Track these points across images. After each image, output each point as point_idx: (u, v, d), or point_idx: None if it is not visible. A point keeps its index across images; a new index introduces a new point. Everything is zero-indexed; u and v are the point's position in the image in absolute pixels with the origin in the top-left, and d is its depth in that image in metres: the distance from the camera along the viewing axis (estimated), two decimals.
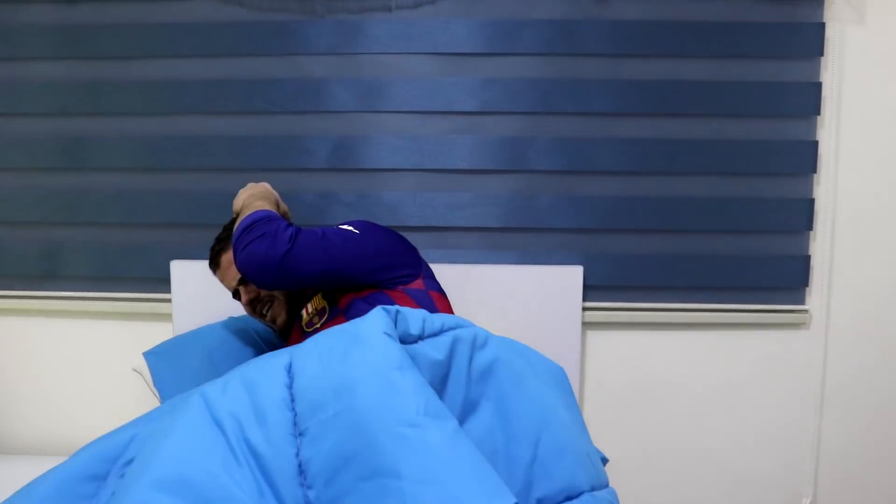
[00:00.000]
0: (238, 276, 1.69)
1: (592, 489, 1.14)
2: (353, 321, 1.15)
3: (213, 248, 1.77)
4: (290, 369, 1.09)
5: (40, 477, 1.09)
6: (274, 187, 1.86)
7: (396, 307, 1.17)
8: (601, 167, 2.04)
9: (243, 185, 1.79)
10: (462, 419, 1.12)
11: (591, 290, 2.08)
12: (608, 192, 2.05)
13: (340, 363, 1.06)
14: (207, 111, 2.11)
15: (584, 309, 2.07)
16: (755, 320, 2.08)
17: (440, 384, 1.12)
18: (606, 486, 1.21)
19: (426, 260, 1.70)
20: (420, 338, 1.16)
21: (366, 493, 0.95)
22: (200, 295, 2.07)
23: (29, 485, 1.09)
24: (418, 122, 2.07)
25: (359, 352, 1.06)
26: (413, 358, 1.09)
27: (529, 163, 2.05)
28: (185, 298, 2.09)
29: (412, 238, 2.04)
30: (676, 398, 2.12)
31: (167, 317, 2.17)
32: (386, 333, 1.08)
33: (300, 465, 1.00)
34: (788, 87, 2.01)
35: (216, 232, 1.90)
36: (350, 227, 1.56)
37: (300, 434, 1.02)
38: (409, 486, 0.93)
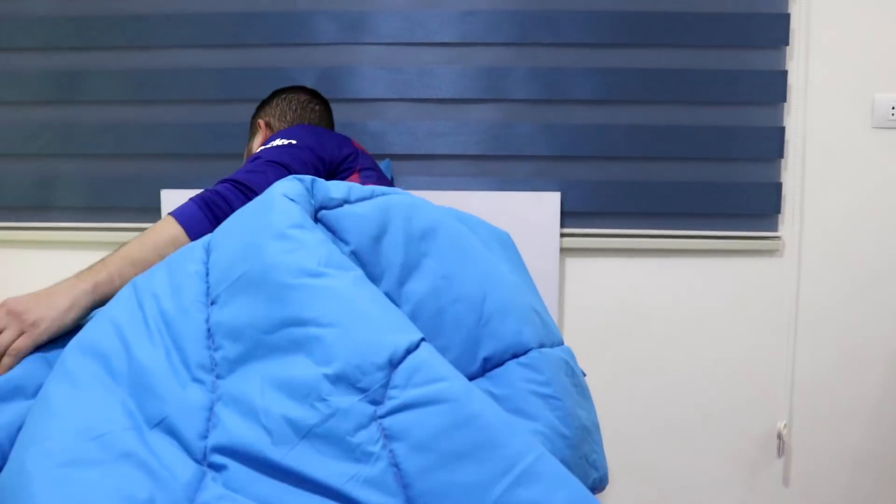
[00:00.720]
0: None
1: (541, 346, 1.14)
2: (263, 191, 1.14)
3: (261, 104, 1.87)
4: (208, 246, 1.11)
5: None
6: None
7: (312, 177, 1.15)
8: (578, 96, 2.10)
9: (230, 117, 1.97)
10: (403, 280, 1.11)
11: (569, 216, 2.14)
12: (585, 120, 2.11)
13: (246, 229, 1.08)
14: (195, 44, 2.17)
15: (562, 235, 2.13)
16: (729, 247, 2.13)
17: (373, 243, 1.11)
18: (560, 343, 1.23)
19: (408, 186, 1.75)
20: (346, 201, 1.14)
21: (271, 344, 0.95)
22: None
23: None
24: (400, 53, 2.13)
25: (263, 215, 1.07)
26: (337, 220, 1.10)
27: (508, 92, 2.11)
28: None
29: (394, 166, 2.12)
30: (652, 324, 2.18)
31: None
32: (286, 196, 1.07)
33: (209, 330, 1.01)
34: (758, 18, 2.07)
35: (204, 161, 2.06)
36: (282, 142, 1.54)
37: (212, 303, 1.03)
38: (313, 331, 0.93)
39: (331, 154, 1.60)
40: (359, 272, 1.01)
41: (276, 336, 0.95)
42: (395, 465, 0.86)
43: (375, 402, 0.88)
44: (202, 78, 2.17)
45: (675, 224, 2.14)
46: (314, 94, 1.88)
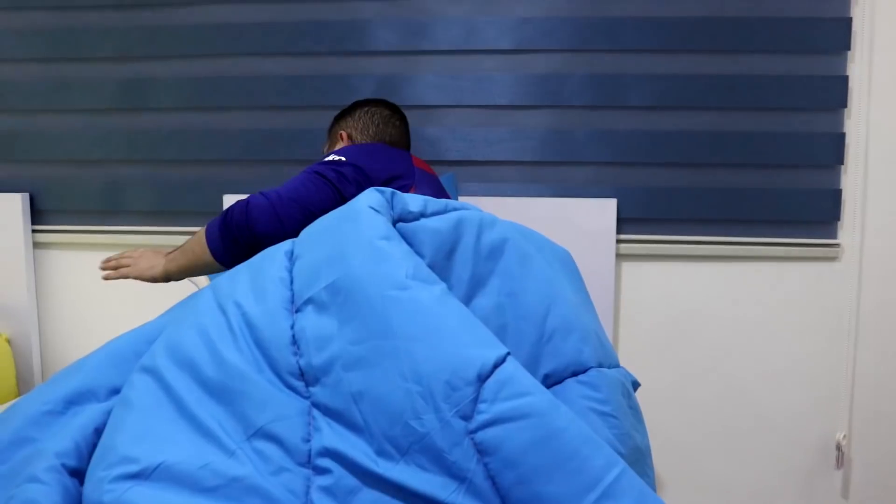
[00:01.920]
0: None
1: (600, 365, 1.16)
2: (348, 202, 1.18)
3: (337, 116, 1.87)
4: (291, 255, 1.14)
5: (90, 353, 1.19)
6: (321, 125, 2.03)
7: (392, 189, 1.18)
8: (635, 102, 2.10)
9: (291, 124, 2.03)
10: (470, 295, 1.14)
11: (625, 222, 2.14)
12: (642, 126, 2.11)
13: (332, 238, 1.10)
14: (257, 53, 2.22)
15: (618, 241, 2.13)
16: (787, 254, 2.11)
17: (446, 258, 1.14)
18: (616, 366, 1.25)
19: (465, 192, 1.77)
20: (422, 215, 1.17)
21: (357, 355, 0.97)
22: None
23: (81, 360, 1.18)
24: (458, 60, 2.15)
25: (348, 225, 1.09)
26: (413, 234, 1.12)
27: (565, 98, 2.12)
28: None
29: (452, 172, 2.14)
30: (709, 331, 2.16)
31: None
32: (372, 208, 1.10)
33: (294, 336, 1.03)
34: (819, 23, 2.05)
35: (266, 167, 2.12)
36: (337, 158, 1.55)
37: (297, 310, 1.05)
38: (401, 344, 0.95)
39: (378, 173, 1.56)
40: (443, 286, 1.03)
41: (363, 347, 0.98)
42: (491, 477, 0.90)
43: (466, 418, 0.91)
44: (264, 85, 2.22)
45: (732, 230, 2.13)
46: (395, 110, 1.86)
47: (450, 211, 1.20)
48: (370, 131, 1.80)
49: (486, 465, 0.90)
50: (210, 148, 2.26)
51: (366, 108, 1.83)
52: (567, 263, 1.39)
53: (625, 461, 1.09)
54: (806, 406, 2.15)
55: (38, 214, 2.38)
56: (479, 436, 0.90)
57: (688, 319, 2.16)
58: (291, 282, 1.09)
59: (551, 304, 1.16)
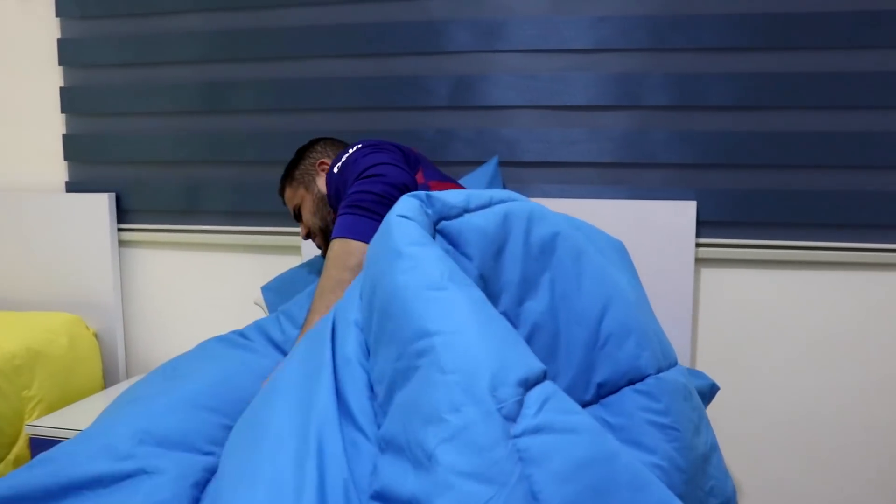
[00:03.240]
0: (292, 206, 1.83)
1: (658, 371, 1.08)
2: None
3: (286, 172, 1.86)
4: (361, 295, 1.09)
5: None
6: (396, 126, 2.10)
7: (426, 191, 1.10)
8: (714, 102, 2.04)
9: (367, 125, 2.04)
10: (522, 298, 1.06)
11: (705, 225, 2.09)
12: (722, 127, 2.05)
13: (373, 260, 1.05)
14: (333, 54, 2.24)
15: (698, 245, 2.08)
16: (873, 259, 2.03)
17: (493, 259, 1.06)
18: (674, 364, 1.14)
19: (541, 194, 1.77)
20: (465, 210, 1.08)
21: (403, 368, 0.90)
22: None
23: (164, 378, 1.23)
24: (534, 60, 2.13)
25: (384, 240, 1.03)
26: (459, 233, 1.05)
27: (642, 98, 2.08)
28: None
29: (527, 173, 2.13)
30: (792, 338, 2.10)
31: (297, 249, 2.32)
32: (401, 215, 1.03)
33: (369, 380, 0.99)
34: None
35: None
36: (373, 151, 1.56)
37: (368, 354, 1.01)
38: (439, 339, 0.87)
39: (398, 175, 1.55)
40: (480, 293, 0.96)
41: (404, 359, 0.90)
42: (534, 495, 0.78)
43: (510, 418, 0.80)
44: (340, 87, 2.24)
45: (815, 234, 2.05)
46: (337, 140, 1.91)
47: (495, 204, 1.10)
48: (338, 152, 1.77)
49: (529, 477, 0.78)
50: (288, 149, 2.28)
51: (320, 143, 1.85)
52: (622, 253, 1.30)
53: (685, 475, 1.03)
54: (890, 419, 2.07)
55: (123, 214, 2.46)
56: (525, 441, 0.79)
57: (769, 327, 2.10)
58: (362, 324, 1.05)
59: (607, 304, 1.07)
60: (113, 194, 2.42)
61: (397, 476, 0.84)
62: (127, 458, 1.07)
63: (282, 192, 1.87)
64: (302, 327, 1.41)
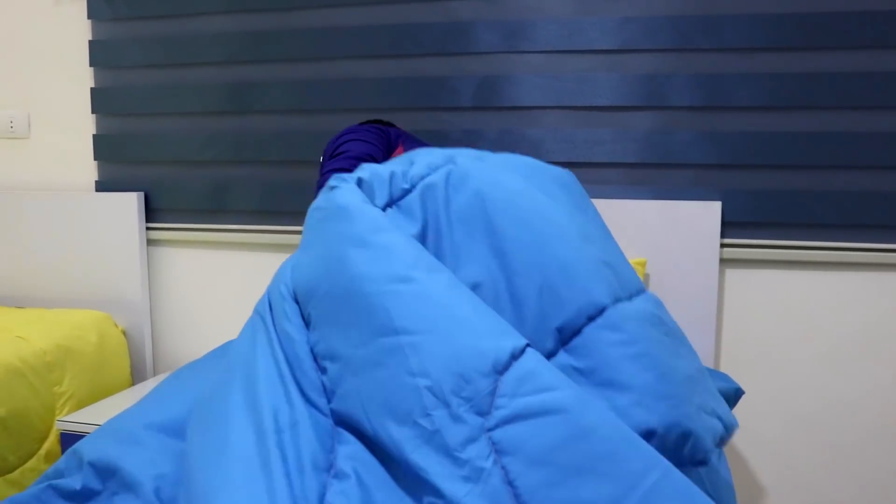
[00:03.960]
0: None
1: (617, 300, 1.02)
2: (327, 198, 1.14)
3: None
4: (294, 268, 1.11)
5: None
6: (421, 126, 2.12)
7: (358, 175, 1.10)
8: (740, 102, 2.04)
9: (394, 124, 1.99)
10: (455, 268, 1.04)
11: (730, 226, 2.08)
12: (747, 127, 2.05)
13: (323, 242, 1.05)
14: (359, 56, 2.26)
15: (723, 245, 2.08)
16: None
17: (422, 240, 1.07)
18: (640, 291, 1.10)
19: None
20: (389, 205, 1.10)
21: (367, 358, 0.91)
22: None
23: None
24: (559, 61, 2.14)
25: (338, 225, 1.03)
26: (409, 211, 1.08)
27: (668, 99, 2.08)
28: None
29: None
30: (818, 339, 2.09)
31: None
32: (361, 201, 1.05)
33: (312, 352, 0.99)
34: None
35: None
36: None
37: (307, 325, 1.02)
38: (406, 339, 0.88)
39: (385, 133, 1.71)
40: (449, 274, 0.96)
41: (368, 349, 0.91)
42: (510, 482, 0.80)
43: (482, 413, 0.83)
44: (366, 87, 2.26)
45: (842, 235, 2.04)
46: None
47: (415, 185, 1.10)
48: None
49: (504, 467, 0.80)
50: (314, 149, 2.31)
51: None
52: (567, 185, 1.22)
53: (671, 400, 0.96)
54: None
55: (151, 212, 2.49)
56: (498, 433, 0.81)
57: (795, 328, 2.09)
58: (295, 296, 1.05)
59: (546, 246, 1.02)
60: (141, 193, 2.46)
61: (367, 465, 0.87)
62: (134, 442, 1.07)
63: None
64: None
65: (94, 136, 2.53)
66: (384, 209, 1.08)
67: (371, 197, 1.09)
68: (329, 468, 0.89)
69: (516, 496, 0.79)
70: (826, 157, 2.01)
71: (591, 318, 0.99)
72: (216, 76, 2.39)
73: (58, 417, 2.11)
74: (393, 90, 2.24)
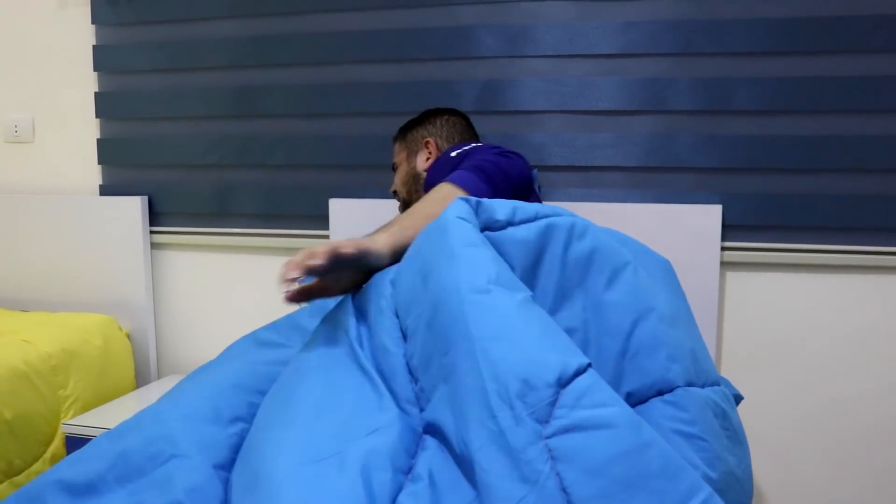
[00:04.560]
0: (394, 161, 1.99)
1: (689, 385, 1.09)
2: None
3: (406, 126, 2.00)
4: (394, 280, 1.15)
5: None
6: None
7: (476, 198, 1.16)
8: (741, 106, 2.05)
9: (396, 128, 2.03)
10: (554, 309, 1.10)
11: (731, 229, 2.10)
12: (748, 131, 2.06)
13: (422, 255, 1.11)
14: (362, 60, 2.28)
15: (723, 248, 2.09)
16: None
17: (531, 269, 1.11)
18: (714, 383, 1.17)
19: (568, 198, 1.95)
20: (510, 223, 1.14)
21: (447, 365, 0.96)
22: (356, 230, 2.23)
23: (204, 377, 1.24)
24: (561, 65, 2.15)
25: (434, 238, 1.09)
26: (500, 244, 1.10)
27: (669, 103, 2.09)
28: (341, 234, 2.27)
29: (554, 177, 2.15)
30: (818, 342, 2.09)
31: None
32: (458, 217, 1.09)
33: (408, 365, 1.04)
34: None
35: (371, 172, 2.25)
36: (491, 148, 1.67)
37: (404, 337, 1.07)
38: (478, 344, 0.93)
39: (523, 171, 1.68)
40: (527, 293, 1.00)
41: (450, 356, 0.96)
42: (563, 489, 0.83)
43: (541, 421, 0.86)
44: (369, 91, 2.27)
45: (842, 238, 2.05)
46: (467, 118, 2.01)
47: (540, 218, 1.15)
48: (455, 139, 1.91)
49: (559, 473, 0.83)
50: (318, 153, 2.33)
51: (445, 117, 1.94)
52: (668, 272, 1.33)
53: (715, 486, 1.02)
54: None
55: (155, 216, 2.51)
56: (555, 441, 0.84)
57: (796, 331, 2.10)
58: (395, 310, 1.10)
59: (640, 318, 1.10)
60: (145, 197, 2.47)
61: (442, 468, 0.91)
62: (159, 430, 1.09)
63: (394, 140, 2.01)
64: (383, 229, 1.37)
65: (98, 140, 2.55)
66: (505, 227, 1.14)
67: (491, 213, 1.14)
68: (408, 471, 0.93)
69: (569, 503, 0.82)
70: (826, 160, 2.02)
71: (660, 393, 1.07)
72: (220, 80, 2.40)
73: (63, 420, 2.13)
74: (396, 94, 2.25)
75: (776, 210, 2.06)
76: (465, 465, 0.89)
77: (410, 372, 1.03)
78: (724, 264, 2.11)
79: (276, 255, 2.43)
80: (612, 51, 2.11)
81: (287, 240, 2.38)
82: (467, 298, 0.97)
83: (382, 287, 1.14)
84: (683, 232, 2.07)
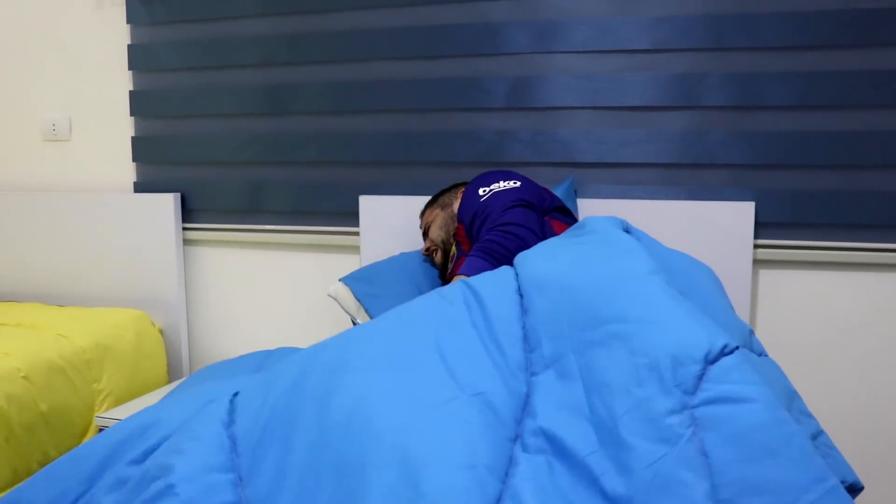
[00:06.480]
0: (425, 224, 2.02)
1: (750, 346, 1.23)
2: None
3: (433, 198, 2.06)
4: (516, 276, 1.25)
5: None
6: (454, 127, 2.16)
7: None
8: (775, 102, 2.02)
9: (427, 126, 2.15)
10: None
11: (764, 227, 2.07)
12: (782, 127, 2.03)
13: (567, 253, 1.26)
14: (393, 57, 2.28)
15: (756, 246, 2.06)
16: None
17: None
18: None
19: (598, 195, 2.05)
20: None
21: (593, 340, 1.05)
22: (386, 227, 2.25)
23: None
24: (592, 61, 2.14)
25: (593, 238, 1.30)
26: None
27: (701, 99, 2.07)
28: (372, 231, 2.27)
29: (584, 174, 2.14)
30: (853, 341, 2.06)
31: (355, 249, 2.37)
32: (613, 224, 1.32)
33: (525, 334, 1.13)
34: None
35: (401, 169, 2.27)
36: (507, 185, 1.80)
37: (525, 311, 1.16)
38: (633, 326, 1.02)
39: (540, 194, 1.83)
40: (675, 291, 1.10)
41: (597, 332, 1.05)
42: (705, 453, 0.89)
43: (688, 392, 0.94)
44: (399, 89, 2.28)
45: (877, 236, 2.01)
46: None
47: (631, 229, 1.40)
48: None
49: (701, 439, 0.90)
50: (347, 150, 2.34)
51: (467, 183, 2.01)
52: (714, 278, 1.46)
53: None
54: None
55: (188, 213, 2.54)
56: (701, 411, 0.92)
57: (830, 330, 2.07)
58: (519, 288, 1.21)
59: (704, 300, 1.24)
60: (178, 194, 2.50)
61: (572, 428, 0.98)
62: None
63: (422, 212, 2.06)
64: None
65: (132, 138, 2.59)
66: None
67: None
68: (515, 438, 1.00)
69: (708, 465, 0.88)
70: (861, 156, 1.99)
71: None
72: (252, 78, 2.43)
73: (97, 413, 2.16)
74: (425, 91, 2.26)
75: (810, 207, 2.03)
76: (602, 431, 0.96)
77: (526, 340, 1.12)
78: (757, 262, 2.08)
79: (306, 252, 2.45)
80: (644, 46, 2.10)
81: (317, 236, 2.40)
82: (629, 285, 1.09)
83: (507, 278, 1.25)
84: (716, 229, 2.04)
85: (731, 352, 0.96)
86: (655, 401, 0.94)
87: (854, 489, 1.20)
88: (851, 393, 2.07)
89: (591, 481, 0.92)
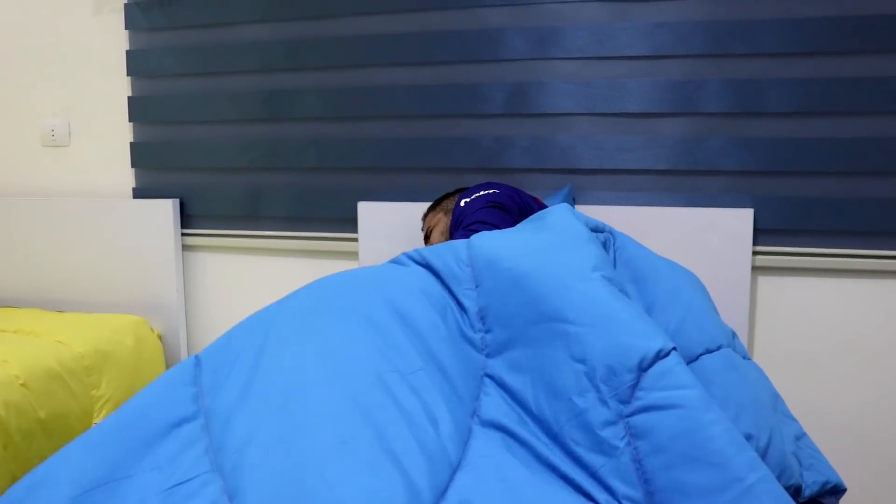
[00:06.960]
0: (427, 228, 2.02)
1: (727, 346, 1.29)
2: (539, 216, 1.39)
3: (436, 202, 2.05)
4: (468, 245, 1.28)
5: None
6: (453, 133, 2.16)
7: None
8: (773, 108, 2.02)
9: (425, 132, 2.15)
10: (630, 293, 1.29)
11: (762, 233, 2.07)
12: (780, 133, 2.03)
13: (524, 242, 1.25)
14: (391, 63, 2.28)
15: (755, 253, 2.06)
16: None
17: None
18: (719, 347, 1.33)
19: (597, 201, 2.04)
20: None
21: (538, 336, 1.09)
22: (385, 234, 2.25)
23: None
24: (590, 67, 2.14)
25: (544, 227, 1.28)
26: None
27: (699, 105, 2.07)
28: (370, 237, 2.27)
29: (583, 180, 2.14)
30: (852, 348, 2.06)
31: (354, 255, 2.37)
32: (572, 214, 1.30)
33: (480, 313, 1.17)
34: None
35: (400, 175, 2.25)
36: (485, 192, 1.83)
37: (476, 286, 1.20)
38: (575, 329, 1.05)
39: (523, 200, 1.86)
40: (616, 287, 1.13)
41: (540, 329, 1.09)
42: (638, 460, 0.95)
43: (623, 402, 0.98)
44: (398, 95, 2.28)
45: (876, 243, 2.01)
46: None
47: (606, 228, 1.40)
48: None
49: (635, 448, 0.95)
50: (346, 156, 2.34)
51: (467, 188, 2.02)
52: (696, 280, 1.50)
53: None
54: None
55: (187, 219, 2.54)
56: (634, 420, 0.96)
57: (829, 336, 2.07)
58: (469, 265, 1.23)
59: (686, 312, 1.28)
60: (177, 200, 2.50)
61: (520, 424, 1.04)
62: None
63: (425, 215, 2.05)
64: None
65: (131, 143, 2.59)
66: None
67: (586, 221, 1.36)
68: (472, 414, 1.06)
69: (642, 472, 0.94)
70: (860, 163, 1.99)
71: (709, 351, 1.25)
72: (250, 84, 2.43)
73: (95, 420, 2.16)
74: (424, 97, 2.26)
75: (809, 213, 2.03)
76: (549, 434, 1.02)
77: (482, 320, 1.16)
78: (756, 269, 2.08)
79: (305, 258, 2.45)
80: (642, 52, 2.10)
81: (316, 242, 2.40)
82: (569, 283, 1.11)
83: (458, 248, 1.27)
84: (715, 236, 2.04)
85: (667, 354, 1.00)
86: (593, 412, 0.99)
87: (837, 490, 1.28)
88: (851, 399, 2.07)
89: (549, 466, 1.00)
